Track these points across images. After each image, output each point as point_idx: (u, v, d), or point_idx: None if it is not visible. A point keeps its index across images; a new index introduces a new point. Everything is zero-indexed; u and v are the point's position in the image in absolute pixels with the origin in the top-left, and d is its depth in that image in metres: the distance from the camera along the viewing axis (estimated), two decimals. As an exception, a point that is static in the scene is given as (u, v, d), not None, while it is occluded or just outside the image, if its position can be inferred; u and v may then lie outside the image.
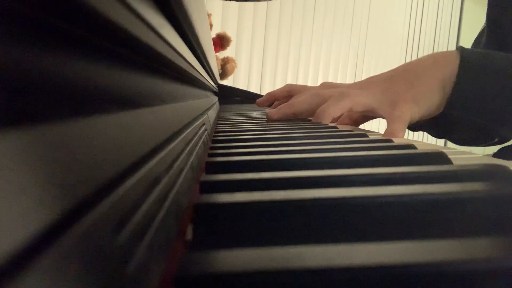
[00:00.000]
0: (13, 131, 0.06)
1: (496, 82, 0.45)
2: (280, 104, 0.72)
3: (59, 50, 0.08)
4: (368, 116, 0.56)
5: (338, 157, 0.25)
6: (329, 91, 0.53)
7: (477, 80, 0.45)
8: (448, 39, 3.23)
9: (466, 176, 0.19)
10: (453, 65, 0.46)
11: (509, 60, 0.46)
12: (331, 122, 0.52)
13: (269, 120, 0.57)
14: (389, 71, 0.52)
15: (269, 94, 0.81)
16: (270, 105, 0.87)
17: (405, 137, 0.47)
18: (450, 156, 0.25)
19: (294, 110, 0.55)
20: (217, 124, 0.56)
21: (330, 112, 0.48)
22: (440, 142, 3.03)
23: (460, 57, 0.46)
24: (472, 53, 0.46)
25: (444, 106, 0.48)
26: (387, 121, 0.46)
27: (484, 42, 0.74)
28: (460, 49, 0.47)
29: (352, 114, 0.56)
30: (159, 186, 0.12)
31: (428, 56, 0.50)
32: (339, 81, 2.61)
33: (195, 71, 0.35)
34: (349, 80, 2.66)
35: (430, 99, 0.47)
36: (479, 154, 0.31)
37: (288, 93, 0.75)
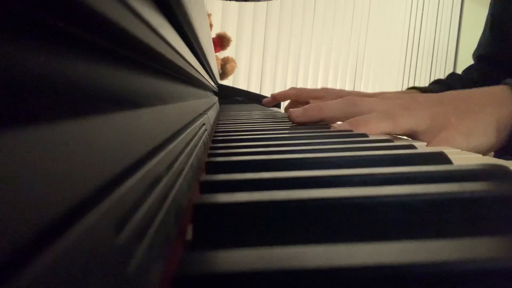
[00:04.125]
0: (13, 131, 0.06)
1: None
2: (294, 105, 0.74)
3: (59, 50, 0.08)
4: None
5: (338, 157, 0.25)
6: (369, 103, 0.47)
7: None
8: (448, 39, 3.23)
9: (466, 176, 0.19)
10: (508, 106, 0.41)
11: None
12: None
13: (293, 122, 0.51)
14: (436, 94, 0.47)
15: (275, 95, 0.87)
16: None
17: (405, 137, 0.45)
18: (450, 156, 0.25)
19: (323, 115, 0.50)
20: (217, 124, 0.56)
21: (369, 129, 0.43)
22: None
23: None
24: None
25: (498, 147, 0.43)
26: (432, 144, 0.41)
27: (486, 39, 0.74)
28: (510, 84, 0.43)
29: None
30: (159, 186, 0.12)
31: (482, 90, 0.45)
32: (339, 80, 2.61)
33: (195, 71, 0.35)
34: (349, 80, 2.66)
35: (482, 138, 0.41)
36: (479, 154, 0.31)
37: (294, 97, 0.78)
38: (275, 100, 0.89)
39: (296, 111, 0.51)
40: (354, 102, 0.48)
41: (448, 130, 0.41)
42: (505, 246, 0.11)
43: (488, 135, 0.42)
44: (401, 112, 0.43)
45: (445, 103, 0.44)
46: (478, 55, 0.77)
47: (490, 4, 0.75)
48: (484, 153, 0.43)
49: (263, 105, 0.93)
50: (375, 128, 0.43)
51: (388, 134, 0.43)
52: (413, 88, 0.74)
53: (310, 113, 0.50)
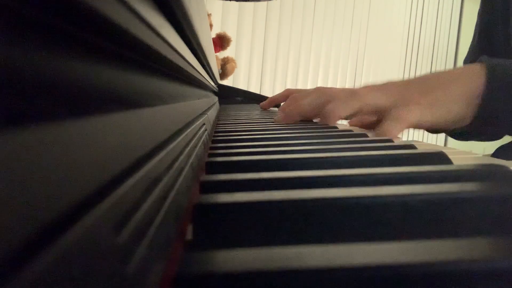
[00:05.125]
0: (13, 131, 0.06)
1: None
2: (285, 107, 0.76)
3: (59, 50, 0.08)
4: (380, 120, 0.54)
5: (338, 157, 0.25)
6: (337, 90, 0.51)
7: (506, 92, 0.43)
8: (448, 39, 3.23)
9: (466, 176, 0.19)
10: (480, 78, 0.44)
11: None
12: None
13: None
14: (406, 79, 0.51)
15: (271, 98, 0.90)
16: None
17: (405, 137, 0.46)
18: (450, 156, 0.25)
19: (299, 110, 0.54)
20: (217, 124, 0.56)
21: (337, 112, 0.46)
22: (441, 141, 3.03)
23: (486, 69, 0.44)
24: (498, 64, 0.45)
25: (471, 118, 0.46)
26: (385, 119, 0.44)
27: (475, 47, 0.76)
28: (486, 61, 0.46)
29: (364, 119, 0.55)
30: (159, 186, 0.12)
31: (454, 69, 0.49)
32: (339, 81, 2.61)
33: (195, 71, 0.35)
34: (349, 80, 2.66)
35: (447, 107, 0.45)
36: (479, 154, 0.31)
37: (287, 97, 0.81)
38: (273, 103, 0.92)
39: (279, 117, 0.56)
40: (323, 92, 0.52)
41: (408, 106, 0.44)
42: (505, 246, 0.11)
43: (457, 105, 0.45)
44: (364, 91, 0.47)
45: (411, 84, 0.47)
46: (468, 62, 0.79)
47: (478, 14, 0.77)
48: (457, 123, 0.47)
49: (261, 108, 0.95)
50: (344, 109, 0.46)
51: (358, 113, 0.46)
52: None
53: (289, 113, 0.55)
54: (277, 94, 0.89)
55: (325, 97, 0.51)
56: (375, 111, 0.47)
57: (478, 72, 0.45)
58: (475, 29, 0.77)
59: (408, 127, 0.44)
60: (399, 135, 0.43)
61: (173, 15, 0.18)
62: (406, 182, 0.19)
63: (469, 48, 0.80)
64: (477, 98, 0.44)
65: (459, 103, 0.45)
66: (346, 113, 0.46)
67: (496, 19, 0.69)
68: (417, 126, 0.46)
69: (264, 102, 0.93)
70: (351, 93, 0.47)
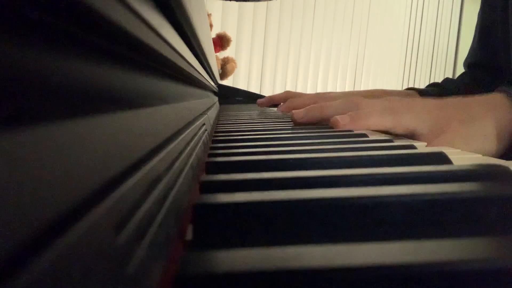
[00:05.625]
0: (13, 131, 0.06)
1: None
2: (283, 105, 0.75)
3: (59, 50, 0.08)
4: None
5: (338, 157, 0.25)
6: (371, 103, 0.47)
7: None
8: (448, 39, 3.22)
9: (466, 176, 0.19)
10: (510, 112, 0.42)
11: None
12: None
13: (295, 122, 0.52)
14: (439, 99, 0.47)
15: (269, 97, 0.90)
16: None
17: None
18: (450, 156, 0.25)
19: (324, 114, 0.50)
20: (217, 124, 0.56)
21: (368, 123, 0.42)
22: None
23: None
24: None
25: (498, 156, 0.43)
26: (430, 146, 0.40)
27: (475, 48, 0.76)
28: (508, 92, 0.43)
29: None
30: (159, 186, 0.12)
31: (483, 98, 0.45)
32: (339, 80, 2.61)
33: (195, 71, 0.35)
34: (349, 80, 2.66)
35: (482, 144, 0.42)
36: (479, 154, 0.31)
37: (286, 99, 0.81)
38: (271, 102, 0.91)
39: (299, 113, 0.52)
40: (356, 102, 0.48)
41: (448, 134, 0.41)
42: (505, 246, 0.11)
43: (489, 141, 0.42)
44: (404, 111, 0.43)
45: (447, 108, 0.44)
46: (468, 63, 0.79)
47: (478, 15, 0.76)
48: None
49: (258, 105, 0.95)
50: (376, 122, 0.42)
51: (388, 132, 0.43)
52: (412, 88, 0.75)
53: (312, 114, 0.51)
54: (276, 94, 0.89)
55: (354, 107, 0.47)
56: (404, 133, 0.44)
57: (506, 105, 0.42)
58: (475, 30, 0.77)
59: None
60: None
61: (173, 15, 0.18)
62: (406, 182, 0.19)
63: (470, 49, 0.80)
64: (507, 135, 0.42)
65: (491, 140, 0.42)
66: (378, 127, 0.43)
67: (495, 20, 0.69)
68: None
69: (262, 100, 0.92)
70: (391, 110, 0.43)
